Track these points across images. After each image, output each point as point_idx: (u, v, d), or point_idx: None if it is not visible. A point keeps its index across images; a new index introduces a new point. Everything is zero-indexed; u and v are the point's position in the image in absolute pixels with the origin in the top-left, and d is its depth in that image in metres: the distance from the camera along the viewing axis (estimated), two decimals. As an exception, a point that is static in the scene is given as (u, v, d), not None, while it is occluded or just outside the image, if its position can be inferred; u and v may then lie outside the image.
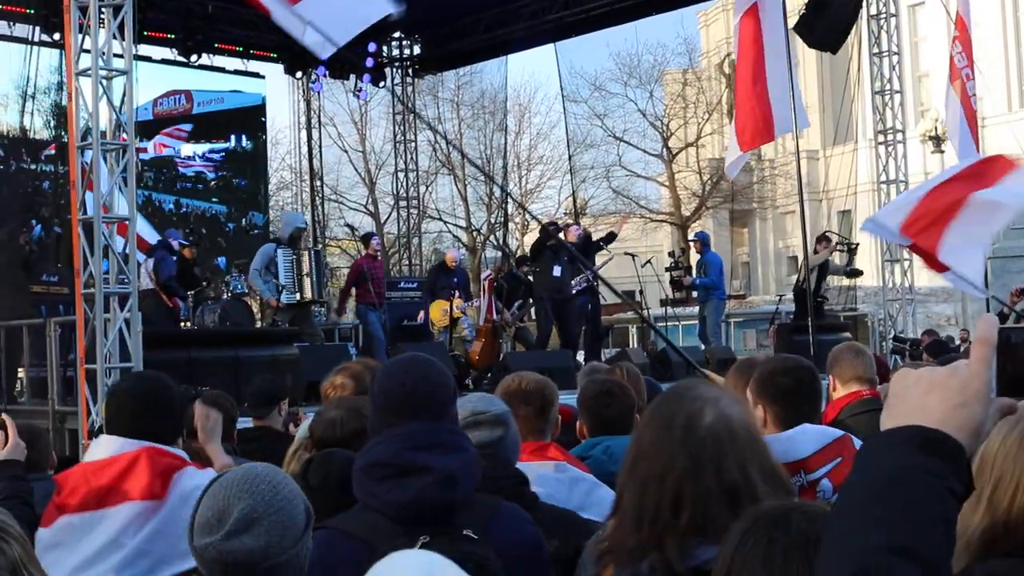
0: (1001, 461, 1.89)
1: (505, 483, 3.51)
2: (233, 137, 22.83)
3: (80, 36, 10.47)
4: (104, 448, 3.65)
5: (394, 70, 23.40)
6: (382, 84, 23.22)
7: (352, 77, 22.88)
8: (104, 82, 10.35)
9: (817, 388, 4.19)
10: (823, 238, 18.02)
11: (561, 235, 15.76)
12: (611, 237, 16.64)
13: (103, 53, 10.37)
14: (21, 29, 17.81)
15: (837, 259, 17.81)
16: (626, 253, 17.92)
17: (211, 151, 22.45)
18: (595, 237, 17.15)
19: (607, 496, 3.93)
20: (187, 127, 21.79)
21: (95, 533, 3.49)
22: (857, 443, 3.85)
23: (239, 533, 2.43)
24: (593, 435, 4.71)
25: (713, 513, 2.27)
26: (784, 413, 4.00)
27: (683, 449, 2.31)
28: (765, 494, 2.30)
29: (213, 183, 22.64)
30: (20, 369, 13.35)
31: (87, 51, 10.46)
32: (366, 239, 17.02)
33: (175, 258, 15.51)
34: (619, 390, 4.81)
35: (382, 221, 39.07)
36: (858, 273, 17.82)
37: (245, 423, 6.35)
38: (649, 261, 18.28)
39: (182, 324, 15.69)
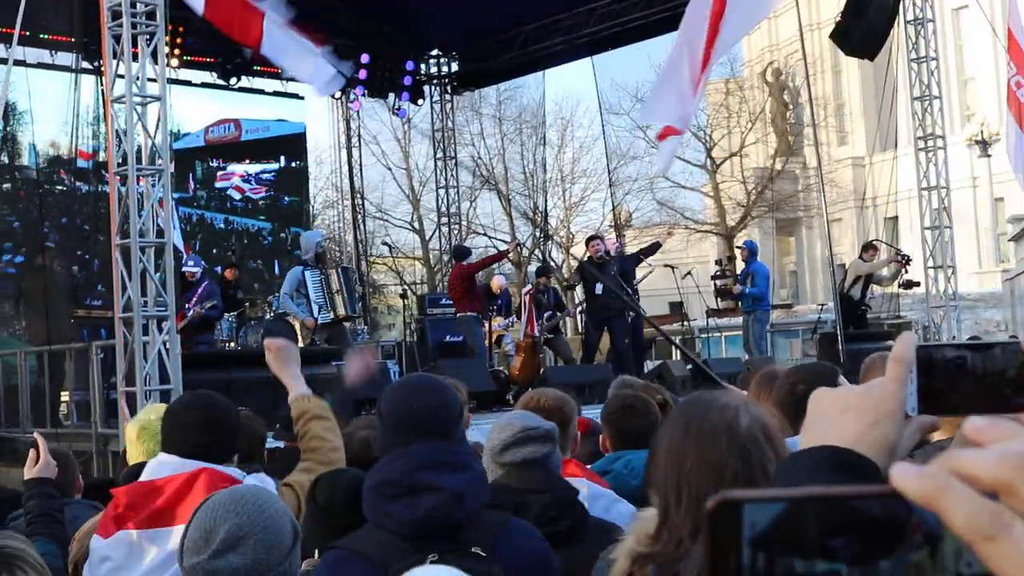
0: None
1: (560, 495, 3.56)
2: (281, 158, 23.24)
3: (115, 63, 10.63)
4: (161, 467, 3.68)
5: (432, 87, 23.50)
6: (420, 102, 23.32)
7: (390, 96, 22.98)
8: (139, 108, 10.49)
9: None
10: (869, 246, 17.88)
11: (598, 246, 15.73)
12: (655, 247, 16.62)
13: (137, 79, 10.51)
14: (64, 57, 18.03)
15: (886, 271, 17.67)
16: (666, 265, 17.88)
17: (261, 171, 22.82)
18: (639, 247, 17.10)
19: (626, 511, 3.95)
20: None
21: (149, 553, 3.53)
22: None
23: (225, 552, 2.49)
24: (615, 449, 4.71)
25: None
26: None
27: (731, 456, 2.30)
28: None
29: (261, 203, 23.01)
30: (64, 393, 13.51)
31: (122, 77, 10.62)
32: (460, 253, 17.29)
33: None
34: (642, 405, 4.82)
35: (427, 238, 39.20)
36: (915, 284, 17.65)
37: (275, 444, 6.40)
38: (689, 272, 18.22)
39: (226, 344, 15.81)
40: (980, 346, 1.21)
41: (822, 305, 21.67)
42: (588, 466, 4.52)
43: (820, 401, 1.37)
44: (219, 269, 17.78)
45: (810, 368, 4.28)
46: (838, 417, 1.32)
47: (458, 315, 16.18)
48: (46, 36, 18.25)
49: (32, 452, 4.69)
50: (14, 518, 4.82)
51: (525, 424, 3.77)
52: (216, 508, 2.60)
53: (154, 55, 10.60)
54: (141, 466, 4.23)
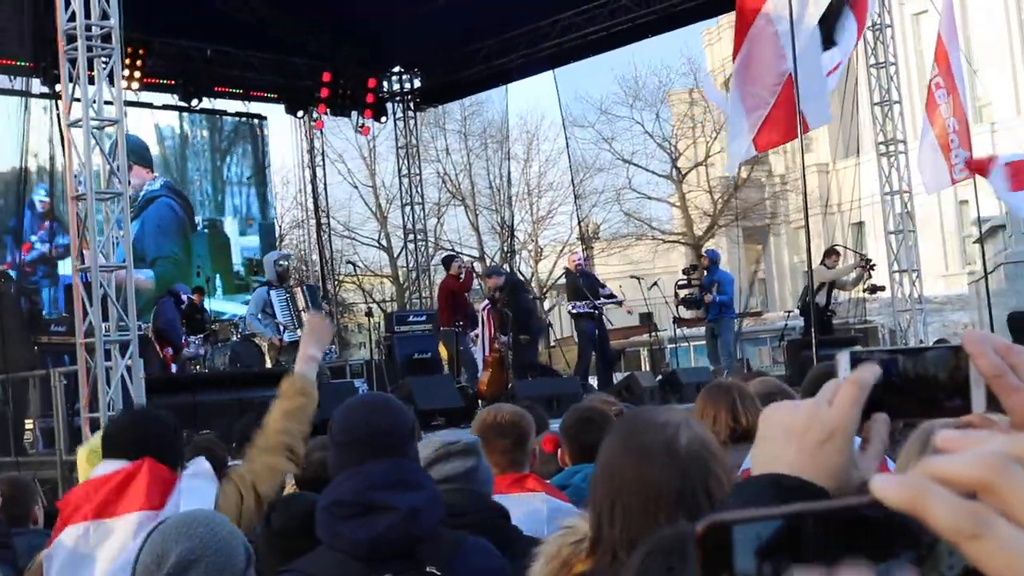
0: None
1: (483, 516, 3.51)
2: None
3: (72, 86, 10.56)
4: (104, 468, 3.68)
5: (395, 104, 23.47)
6: (384, 119, 23.29)
7: (353, 114, 22.96)
8: (96, 132, 10.42)
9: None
10: (831, 251, 17.97)
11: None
12: (615, 301, 16.81)
13: (94, 102, 10.44)
14: (20, 82, 17.94)
15: (851, 275, 17.76)
16: (631, 276, 17.91)
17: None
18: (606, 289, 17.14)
19: (587, 525, 3.91)
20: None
21: (106, 544, 3.51)
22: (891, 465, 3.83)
23: (178, 575, 2.48)
24: (575, 462, 4.69)
25: None
26: None
27: (669, 474, 2.25)
28: None
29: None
30: (28, 420, 13.40)
31: (79, 100, 10.55)
32: (447, 261, 17.23)
33: (178, 306, 15.64)
34: (599, 417, 4.79)
35: (395, 255, 39.13)
36: (879, 289, 17.73)
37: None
38: (656, 283, 18.26)
39: (194, 367, 15.76)
40: (912, 350, 1.21)
41: (788, 312, 21.74)
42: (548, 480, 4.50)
43: (767, 422, 1.33)
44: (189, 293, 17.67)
45: (764, 386, 4.28)
46: (784, 441, 1.29)
47: (442, 329, 16.24)
48: (4, 60, 18.17)
49: None
50: None
51: (443, 440, 3.74)
52: (168, 531, 2.60)
53: (111, 78, 10.52)
54: None
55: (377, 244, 41.00)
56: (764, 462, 1.30)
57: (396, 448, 3.01)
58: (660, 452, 2.28)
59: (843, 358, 1.25)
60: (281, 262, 15.05)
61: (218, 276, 21.93)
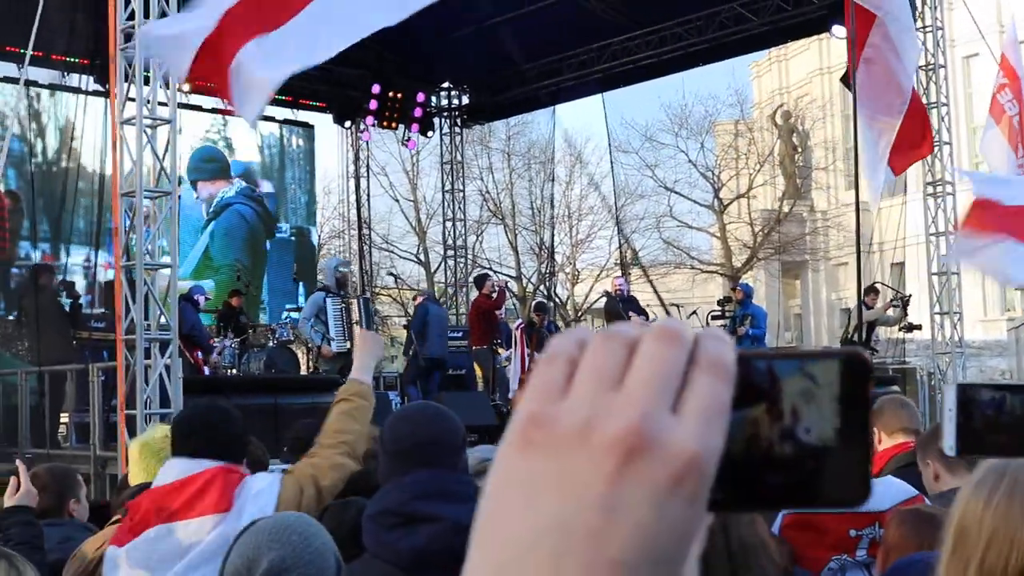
0: (991, 522, 1.78)
1: None
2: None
3: (126, 85, 10.63)
4: (173, 470, 3.71)
5: (442, 120, 23.54)
6: (430, 134, 23.35)
7: (400, 127, 23.03)
8: (148, 131, 10.48)
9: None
10: (871, 289, 17.87)
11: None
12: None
13: (147, 102, 10.51)
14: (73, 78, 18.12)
15: (891, 312, 17.64)
16: (671, 304, 17.86)
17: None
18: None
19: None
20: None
21: (179, 546, 3.53)
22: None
23: None
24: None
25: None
26: None
27: None
28: (769, 559, 2.26)
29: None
30: (63, 414, 13.45)
31: (132, 100, 10.61)
32: (480, 280, 17.24)
33: (195, 308, 15.73)
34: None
35: (432, 270, 39.17)
36: (916, 328, 17.60)
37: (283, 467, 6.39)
38: (695, 312, 18.21)
39: (228, 371, 15.80)
40: (1020, 387, 1.17)
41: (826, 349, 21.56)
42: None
43: None
44: (208, 294, 17.73)
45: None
46: None
47: (474, 348, 16.26)
48: (54, 56, 18.33)
49: (12, 479, 4.64)
50: None
51: (483, 456, 3.75)
52: (260, 535, 2.60)
53: (165, 78, 10.59)
54: (144, 487, 4.22)
55: (415, 258, 41.06)
56: None
57: (444, 459, 3.00)
58: None
59: (949, 393, 1.21)
60: (341, 268, 15.11)
61: (301, 284, 21.96)
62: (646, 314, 16.80)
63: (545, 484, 0.61)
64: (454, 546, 2.81)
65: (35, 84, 17.67)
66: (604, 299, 17.78)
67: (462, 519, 2.84)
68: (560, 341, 0.66)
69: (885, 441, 5.06)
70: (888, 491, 3.88)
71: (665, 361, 0.63)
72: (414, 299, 17.37)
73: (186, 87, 17.32)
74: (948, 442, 1.21)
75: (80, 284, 17.66)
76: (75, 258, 17.83)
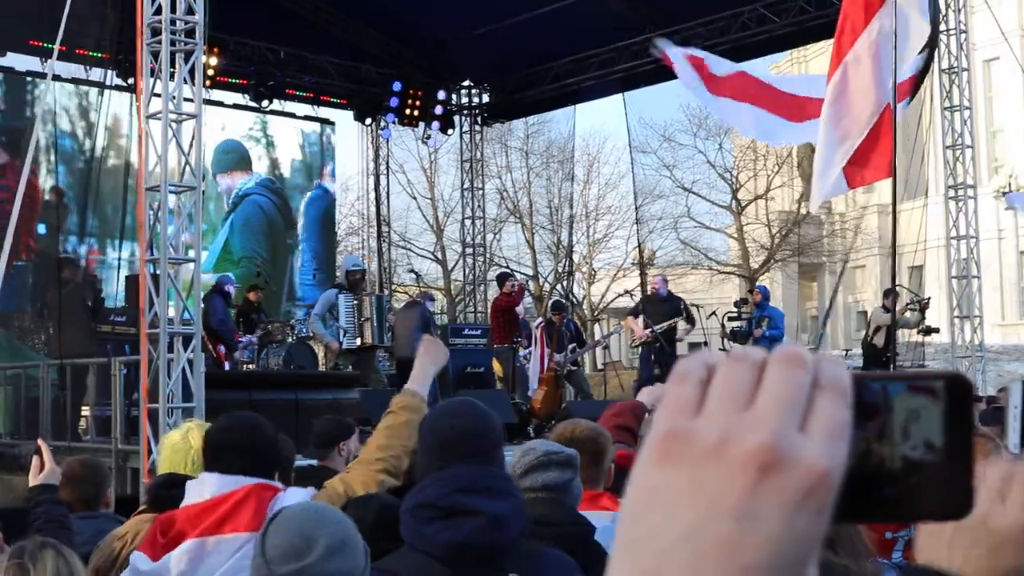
0: None
1: (571, 530, 3.49)
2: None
3: (151, 80, 10.66)
4: (207, 487, 3.68)
5: (463, 118, 23.55)
6: (450, 132, 23.36)
7: (421, 125, 23.05)
8: (173, 125, 10.51)
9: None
10: (890, 292, 17.81)
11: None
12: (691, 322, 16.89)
13: (173, 97, 10.54)
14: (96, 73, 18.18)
15: (908, 315, 17.59)
16: (691, 304, 17.82)
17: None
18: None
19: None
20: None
21: (210, 562, 3.53)
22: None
23: (330, 557, 2.53)
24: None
25: None
26: None
27: None
28: (861, 542, 2.31)
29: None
30: (84, 407, 13.49)
31: (157, 95, 10.65)
32: (501, 279, 17.25)
33: (227, 303, 15.75)
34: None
35: (449, 268, 39.21)
36: (933, 331, 17.56)
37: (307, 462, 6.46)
38: (714, 312, 18.17)
39: (247, 366, 15.83)
40: None
41: (847, 351, 21.55)
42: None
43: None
44: (235, 286, 17.76)
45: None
46: (950, 535, 1.17)
47: (495, 346, 16.27)
48: (77, 51, 18.41)
49: (36, 459, 4.67)
50: None
51: (547, 449, 3.77)
52: (306, 517, 2.64)
53: (191, 73, 10.62)
54: (164, 476, 4.25)
55: (432, 256, 41.10)
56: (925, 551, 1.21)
57: (483, 453, 3.02)
58: None
59: (1015, 389, 1.20)
60: (352, 270, 15.14)
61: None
62: (687, 312, 16.72)
63: (682, 495, 0.67)
64: (492, 540, 2.86)
65: (57, 78, 17.72)
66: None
67: (501, 513, 2.88)
68: (689, 362, 0.73)
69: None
70: None
71: (792, 383, 0.69)
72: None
73: (207, 82, 17.36)
74: (1013, 439, 1.21)
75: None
76: (124, 253, 17.88)
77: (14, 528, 4.86)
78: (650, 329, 16.21)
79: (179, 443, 4.42)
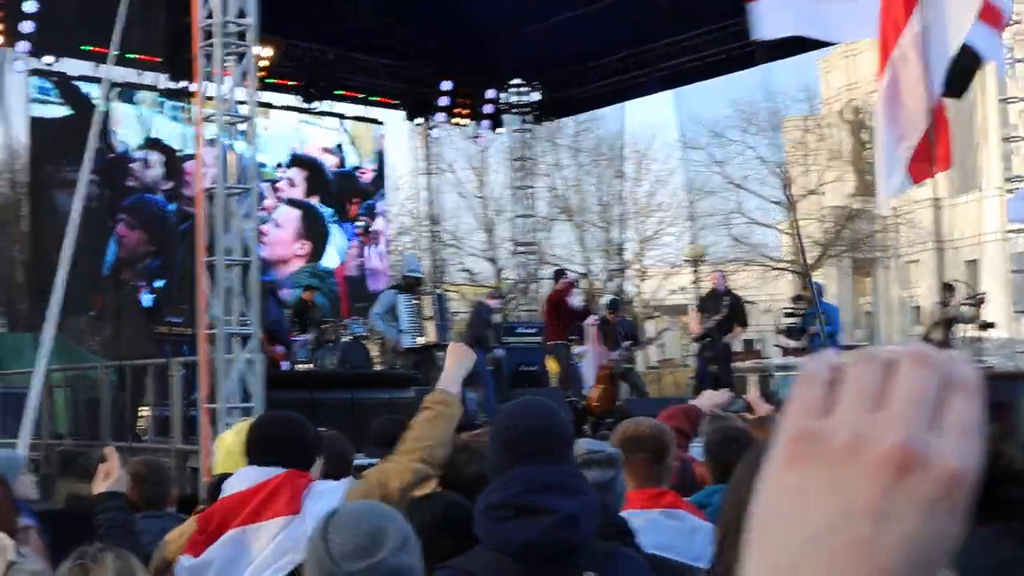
0: None
1: (607, 531, 3.48)
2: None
3: (206, 83, 10.75)
4: (243, 480, 3.76)
5: (512, 116, 23.54)
6: (500, 130, 23.37)
7: (471, 123, 23.08)
8: (229, 127, 10.58)
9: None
10: (947, 287, 17.68)
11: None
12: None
13: (226, 99, 10.61)
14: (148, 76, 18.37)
15: (964, 310, 17.45)
16: (746, 301, 17.75)
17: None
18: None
19: (726, 546, 3.86)
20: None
21: (253, 547, 3.58)
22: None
23: (399, 551, 2.55)
24: (717, 482, 4.62)
25: None
26: None
27: None
28: None
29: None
30: (143, 408, 13.62)
31: (212, 99, 10.73)
32: (557, 275, 17.25)
33: (279, 304, 15.87)
34: (745, 437, 4.73)
35: (499, 266, 39.21)
36: (990, 326, 17.40)
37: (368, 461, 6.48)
38: (769, 309, 18.10)
39: (302, 365, 15.91)
40: None
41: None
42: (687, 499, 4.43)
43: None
44: (298, 291, 17.93)
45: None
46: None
47: (549, 343, 16.25)
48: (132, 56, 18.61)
49: (102, 465, 4.70)
50: None
51: (588, 448, 3.77)
52: (368, 513, 2.67)
53: (244, 76, 10.69)
54: (220, 477, 4.31)
55: (483, 255, 41.12)
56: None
57: (556, 452, 3.03)
58: None
59: None
60: (409, 273, 15.19)
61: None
62: (739, 311, 16.63)
63: (815, 496, 0.67)
64: (566, 538, 2.86)
65: (116, 85, 17.92)
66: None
67: (574, 511, 2.88)
68: (815, 362, 0.72)
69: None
70: None
71: (923, 384, 0.68)
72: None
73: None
74: None
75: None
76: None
77: (78, 534, 4.91)
78: (706, 323, 16.24)
79: (233, 443, 4.47)
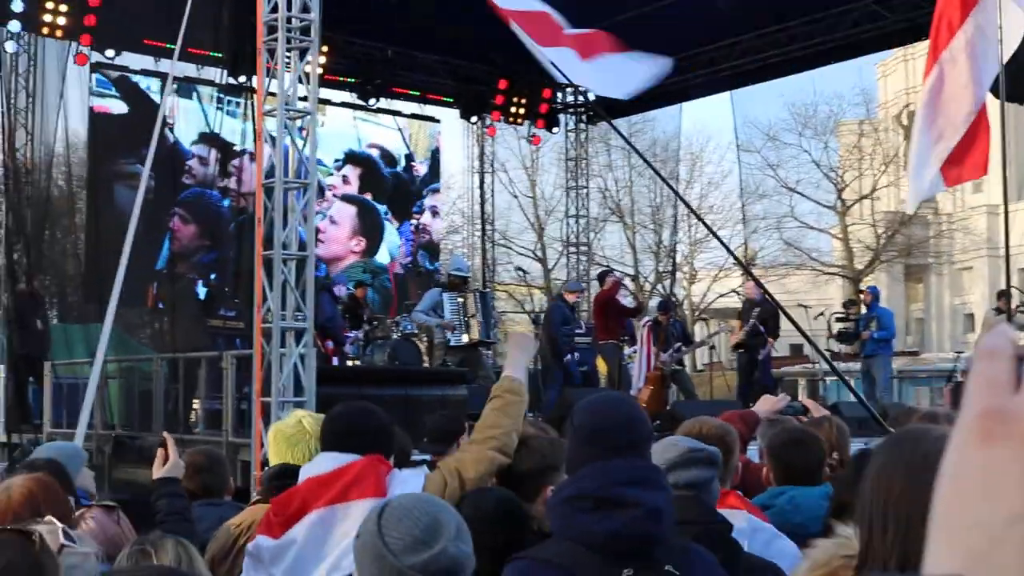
0: None
1: (712, 528, 3.50)
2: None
3: (267, 79, 10.81)
4: (324, 463, 3.81)
5: (568, 116, 23.51)
6: (555, 130, 23.36)
7: (526, 123, 23.08)
8: (289, 122, 10.64)
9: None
10: (1004, 294, 17.48)
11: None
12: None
13: (288, 95, 10.67)
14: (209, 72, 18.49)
15: (1021, 316, 17.25)
16: (799, 305, 17.64)
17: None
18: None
19: (788, 548, 3.88)
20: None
21: (340, 528, 3.61)
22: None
23: (458, 540, 2.58)
24: (780, 484, 4.60)
25: None
26: None
27: None
28: None
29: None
30: (195, 400, 13.73)
31: (273, 94, 10.80)
32: (602, 276, 17.25)
33: (334, 300, 15.93)
34: (810, 440, 4.72)
35: (550, 267, 39.21)
36: None
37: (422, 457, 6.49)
38: (822, 313, 17.97)
39: (350, 362, 15.98)
40: None
41: (959, 353, 21.16)
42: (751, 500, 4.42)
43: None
44: (350, 287, 18.00)
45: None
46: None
47: (600, 343, 16.22)
48: (191, 50, 18.74)
49: (160, 452, 4.74)
50: None
51: (690, 446, 3.77)
52: (422, 506, 2.67)
53: (306, 71, 10.75)
54: (280, 468, 4.32)
55: (533, 255, 41.13)
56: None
57: (638, 446, 3.07)
58: (934, 462, 2.23)
59: None
60: (454, 273, 15.25)
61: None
62: (769, 322, 16.54)
63: (1009, 476, 0.64)
64: (649, 531, 2.89)
65: (180, 79, 18.05)
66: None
67: (657, 505, 2.91)
68: (994, 338, 0.69)
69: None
70: None
71: None
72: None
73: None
74: None
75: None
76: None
77: (136, 519, 4.97)
78: (745, 330, 16.35)
79: (294, 432, 4.51)
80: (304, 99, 10.89)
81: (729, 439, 4.40)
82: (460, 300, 14.65)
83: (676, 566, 2.88)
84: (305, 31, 10.71)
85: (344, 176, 22.23)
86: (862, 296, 18.69)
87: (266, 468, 4.67)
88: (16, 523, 3.08)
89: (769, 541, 4.03)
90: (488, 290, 20.51)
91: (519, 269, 27.81)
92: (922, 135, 12.34)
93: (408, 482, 3.75)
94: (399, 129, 23.03)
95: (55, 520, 3.05)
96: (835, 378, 20.35)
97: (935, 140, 12.36)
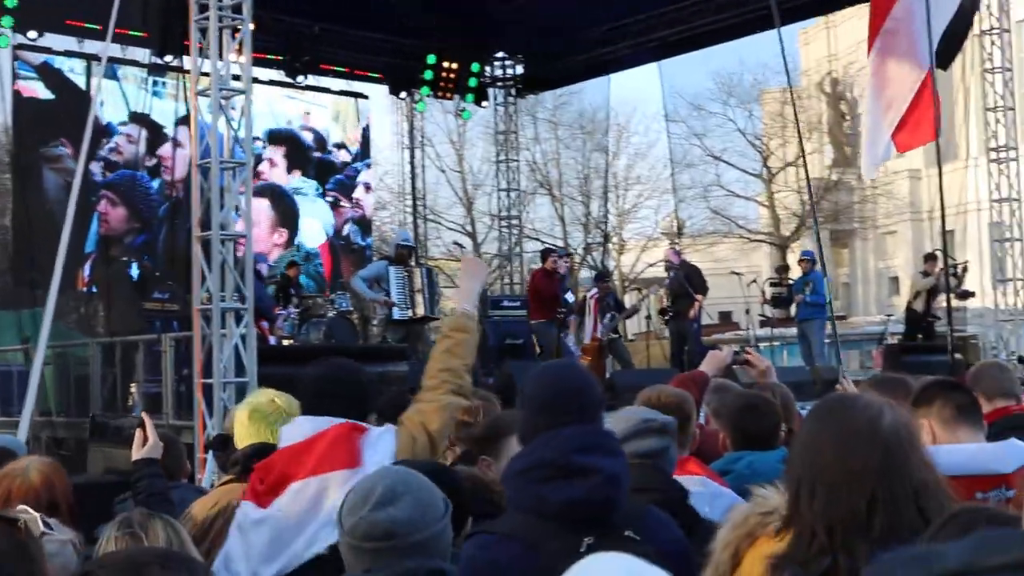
0: None
1: (667, 495, 3.53)
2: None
3: (200, 58, 10.71)
4: (299, 429, 3.76)
5: (497, 90, 23.46)
6: (485, 104, 23.30)
7: (455, 97, 23.00)
8: (223, 102, 10.55)
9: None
10: (930, 257, 17.79)
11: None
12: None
13: (222, 74, 10.58)
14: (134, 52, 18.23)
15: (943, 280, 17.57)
16: (732, 272, 17.83)
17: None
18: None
19: (747, 512, 3.92)
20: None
21: (324, 498, 3.56)
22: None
23: (384, 505, 2.61)
24: (737, 449, 4.67)
25: (905, 516, 2.26)
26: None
27: (872, 453, 2.30)
28: (946, 496, 2.30)
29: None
30: (132, 384, 13.59)
31: (206, 73, 10.70)
32: (544, 255, 17.25)
33: (260, 279, 15.82)
34: (765, 405, 4.79)
35: (479, 241, 39.23)
36: (970, 295, 17.51)
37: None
38: (754, 281, 18.16)
39: (286, 341, 15.89)
40: None
41: (889, 316, 21.48)
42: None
43: None
44: (283, 269, 17.90)
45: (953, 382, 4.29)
46: None
47: (532, 322, 16.22)
48: (117, 30, 18.44)
49: (139, 433, 4.72)
50: (121, 500, 4.86)
51: (644, 416, 3.79)
52: (370, 475, 2.80)
53: (239, 49, 10.66)
54: (258, 447, 4.28)
55: (462, 229, 41.12)
56: None
57: (591, 413, 3.05)
58: (863, 432, 2.35)
59: None
60: (401, 244, 15.22)
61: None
62: (693, 280, 16.65)
63: None
64: (609, 497, 2.89)
65: (95, 58, 17.75)
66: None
67: (616, 471, 2.92)
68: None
69: (986, 406, 5.02)
70: (1013, 453, 3.87)
71: None
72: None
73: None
74: None
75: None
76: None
77: (110, 500, 4.95)
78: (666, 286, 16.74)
79: (268, 409, 4.45)
80: (237, 78, 10.79)
81: (687, 407, 4.46)
82: (406, 274, 14.63)
83: (635, 531, 2.88)
84: (237, 9, 10.61)
85: (270, 159, 21.85)
86: (802, 264, 18.83)
87: (237, 449, 4.58)
88: (36, 506, 3.11)
89: (728, 506, 4.09)
90: (432, 266, 20.48)
91: (456, 244, 27.74)
92: (872, 105, 12.54)
93: (379, 446, 3.68)
94: (326, 106, 22.83)
95: (30, 509, 3.03)
96: (768, 344, 20.64)
97: (884, 109, 12.57)
